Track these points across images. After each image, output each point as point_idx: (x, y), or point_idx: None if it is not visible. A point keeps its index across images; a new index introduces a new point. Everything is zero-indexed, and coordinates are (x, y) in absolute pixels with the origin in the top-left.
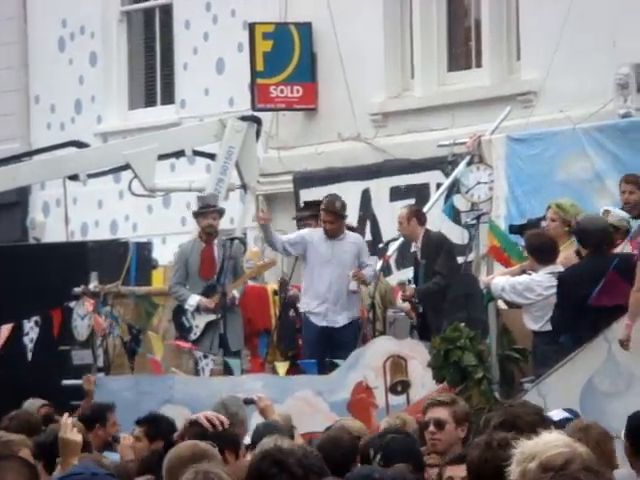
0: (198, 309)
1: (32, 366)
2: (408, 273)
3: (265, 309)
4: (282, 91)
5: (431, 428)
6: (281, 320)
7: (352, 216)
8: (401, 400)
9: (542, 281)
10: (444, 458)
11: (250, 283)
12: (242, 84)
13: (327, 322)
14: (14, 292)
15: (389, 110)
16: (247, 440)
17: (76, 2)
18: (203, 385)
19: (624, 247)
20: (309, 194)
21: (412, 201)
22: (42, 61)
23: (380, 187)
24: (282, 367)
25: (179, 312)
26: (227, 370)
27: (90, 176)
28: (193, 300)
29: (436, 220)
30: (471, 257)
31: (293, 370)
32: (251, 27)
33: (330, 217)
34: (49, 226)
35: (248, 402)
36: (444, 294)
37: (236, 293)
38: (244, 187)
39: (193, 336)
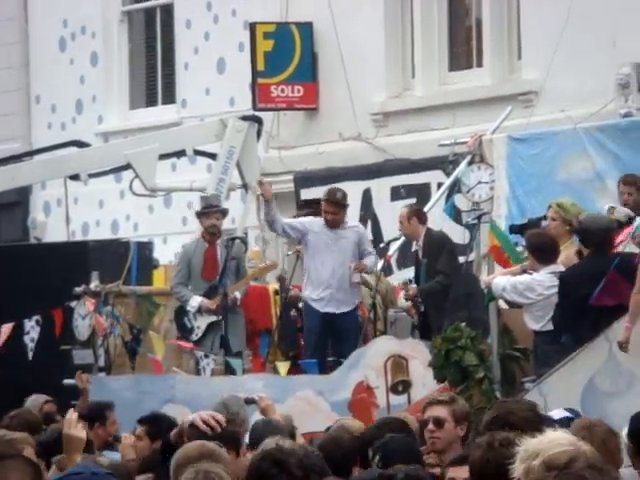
0: (200, 310)
1: (33, 365)
2: (409, 273)
3: (266, 309)
4: (283, 91)
5: (430, 426)
6: (282, 320)
7: (353, 216)
8: (402, 400)
9: (543, 281)
10: (443, 457)
11: (251, 283)
12: (243, 84)
13: (329, 308)
14: (15, 292)
15: (390, 110)
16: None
17: (77, 2)
18: (204, 385)
19: (626, 246)
20: (310, 194)
21: (413, 201)
22: (43, 61)
23: (381, 187)
24: (283, 367)
25: (181, 313)
26: (229, 370)
27: (91, 176)
28: (195, 301)
29: (437, 220)
30: (472, 257)
31: (294, 370)
32: (252, 27)
33: (332, 207)
34: (50, 226)
35: (249, 402)
36: (446, 293)
37: (238, 294)
38: (245, 187)
39: (195, 337)
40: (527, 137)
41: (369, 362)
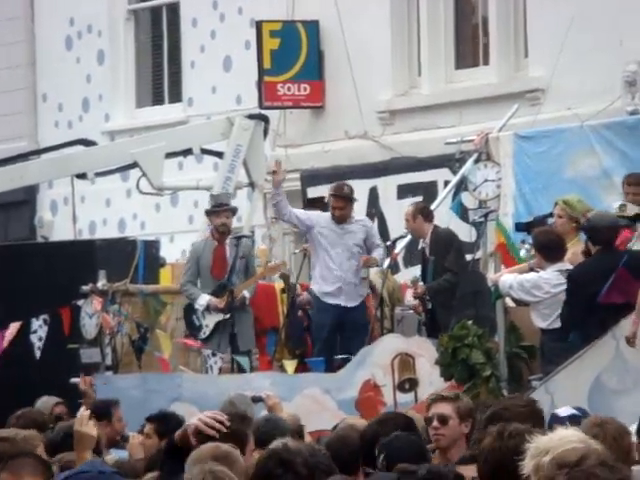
0: (208, 308)
1: (40, 364)
2: (416, 271)
3: (273, 307)
4: (289, 89)
5: (435, 423)
6: (289, 318)
7: (360, 214)
8: (409, 398)
9: (550, 278)
10: (447, 454)
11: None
12: (249, 82)
13: (340, 301)
14: (22, 291)
15: (396, 108)
16: None
17: (83, 1)
18: (211, 383)
19: (634, 244)
20: (316, 192)
21: (420, 199)
22: (49, 60)
23: (387, 185)
24: (290, 365)
25: (190, 310)
26: (238, 368)
27: (98, 174)
28: (203, 299)
29: (444, 218)
30: (479, 254)
31: (301, 368)
32: (258, 25)
33: (340, 202)
34: (57, 225)
35: (256, 400)
36: (454, 291)
37: (246, 293)
38: (252, 185)
39: (203, 335)
40: (534, 135)
41: (376, 360)
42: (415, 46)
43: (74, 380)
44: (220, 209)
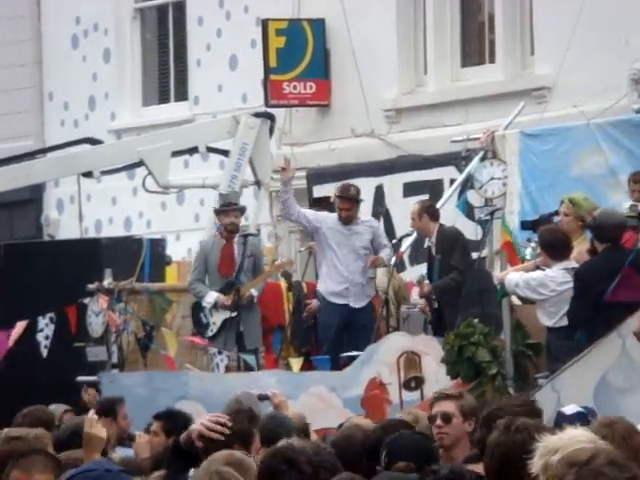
0: (215, 306)
1: (47, 363)
2: (422, 269)
3: (279, 305)
4: (295, 87)
5: (438, 422)
6: (295, 316)
7: (366, 212)
8: (415, 396)
9: (556, 277)
10: (451, 452)
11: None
12: (255, 80)
13: (347, 301)
14: (29, 289)
15: (402, 106)
16: None
17: None
18: (218, 381)
19: None
20: (322, 190)
21: (426, 197)
22: (56, 58)
23: (393, 183)
24: (296, 363)
25: (197, 308)
26: (246, 367)
27: (104, 173)
28: (210, 297)
29: (450, 216)
30: (485, 253)
31: (307, 366)
32: (264, 23)
33: (347, 204)
34: (63, 223)
35: (262, 398)
36: (460, 290)
37: (254, 291)
38: (258, 183)
39: (210, 333)
40: (540, 133)
41: (382, 358)
42: (421, 44)
43: (81, 378)
44: (229, 208)
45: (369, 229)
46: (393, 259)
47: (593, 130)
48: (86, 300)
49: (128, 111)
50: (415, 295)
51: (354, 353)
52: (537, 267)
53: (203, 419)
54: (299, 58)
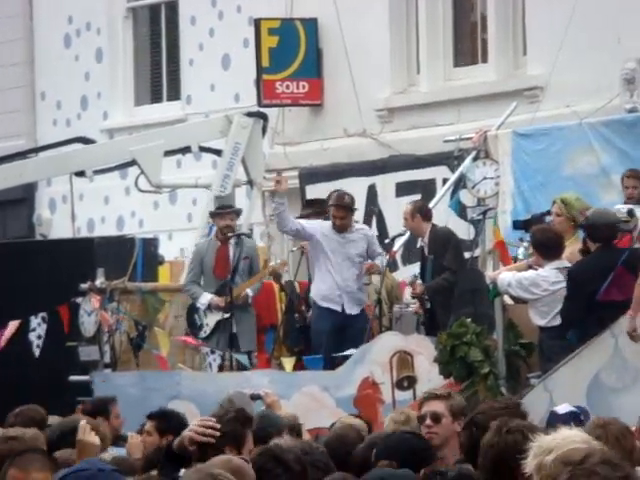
0: (209, 307)
1: (39, 362)
2: (414, 268)
3: (271, 305)
4: (288, 87)
5: (427, 422)
6: (287, 316)
7: (358, 212)
8: (407, 396)
9: (548, 276)
10: (440, 452)
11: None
12: (248, 80)
13: (339, 308)
14: (21, 288)
15: (395, 105)
16: None
17: None
18: (210, 381)
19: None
20: (315, 190)
21: (418, 196)
22: (48, 57)
23: (386, 183)
24: (288, 363)
25: (192, 310)
26: (238, 367)
27: (96, 172)
28: (204, 298)
29: (442, 215)
30: (477, 252)
31: (299, 366)
32: (257, 23)
33: (341, 212)
34: (55, 222)
35: (255, 398)
36: (453, 290)
37: (250, 292)
38: (250, 183)
39: (203, 334)
40: (532, 132)
41: (374, 358)
42: (414, 44)
43: (73, 378)
44: (224, 211)
45: (364, 237)
46: (386, 259)
47: (585, 130)
48: (78, 299)
49: (120, 110)
50: (408, 295)
51: (347, 353)
52: (530, 267)
53: (192, 424)
54: (292, 57)
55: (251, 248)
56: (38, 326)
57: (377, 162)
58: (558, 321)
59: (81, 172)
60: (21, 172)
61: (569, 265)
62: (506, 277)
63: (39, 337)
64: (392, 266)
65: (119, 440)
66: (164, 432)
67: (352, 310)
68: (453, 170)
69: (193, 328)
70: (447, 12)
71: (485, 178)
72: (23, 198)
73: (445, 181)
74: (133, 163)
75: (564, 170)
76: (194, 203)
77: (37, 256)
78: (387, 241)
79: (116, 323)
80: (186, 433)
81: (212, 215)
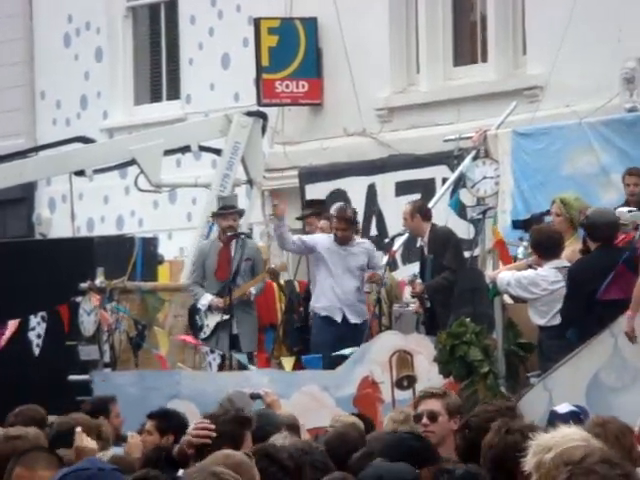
0: (210, 308)
1: (39, 362)
2: (414, 268)
3: (271, 304)
4: (287, 86)
5: (424, 420)
6: (287, 315)
7: (358, 212)
8: (407, 395)
9: (547, 276)
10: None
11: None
12: (247, 79)
13: (341, 319)
14: (20, 288)
15: (394, 105)
16: None
17: None
18: (210, 380)
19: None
20: (315, 189)
21: (418, 196)
22: (48, 57)
23: (386, 182)
24: (288, 362)
25: (194, 311)
26: (239, 366)
27: (96, 172)
28: (205, 299)
29: (442, 215)
30: (477, 252)
31: (299, 365)
32: (256, 22)
33: (342, 224)
34: (55, 222)
35: (255, 397)
36: (453, 289)
37: (253, 290)
38: (250, 182)
39: (203, 335)
40: (532, 132)
41: (374, 357)
42: (413, 43)
43: (73, 377)
44: (227, 211)
45: (364, 251)
46: (385, 258)
47: (585, 129)
48: (78, 299)
49: (120, 110)
50: (407, 294)
51: (346, 352)
52: (529, 266)
53: (189, 430)
54: (291, 57)
55: (253, 249)
56: (38, 325)
57: (377, 162)
58: (557, 320)
59: (81, 171)
60: (21, 171)
61: (568, 265)
62: (505, 276)
63: (39, 336)
64: (392, 265)
65: (119, 440)
66: (164, 431)
67: (353, 320)
68: (453, 169)
69: (194, 329)
70: (447, 12)
71: (485, 177)
72: (23, 197)
73: (445, 180)
74: (133, 162)
75: (564, 170)
76: (194, 202)
77: (37, 255)
78: (387, 240)
79: (116, 322)
80: (184, 439)
81: (215, 215)
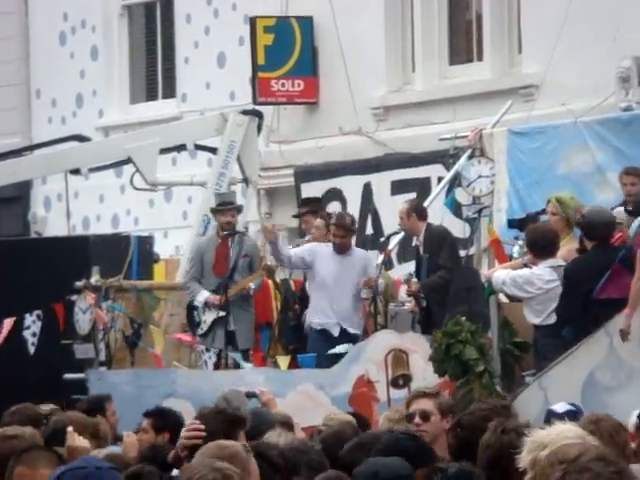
0: (206, 305)
1: (34, 360)
2: (409, 267)
3: (267, 303)
4: (283, 85)
5: (416, 420)
6: (283, 314)
7: (353, 210)
8: (402, 394)
9: (542, 275)
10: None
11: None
12: (243, 78)
13: (337, 332)
14: (16, 287)
15: (390, 104)
16: None
17: None
18: (206, 379)
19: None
20: (310, 188)
21: (413, 195)
22: (43, 55)
23: (381, 181)
24: (284, 361)
25: (192, 307)
26: (235, 364)
27: (92, 170)
28: (202, 296)
29: (437, 214)
30: (472, 250)
31: (295, 364)
32: (252, 21)
33: (341, 232)
34: (51, 220)
35: (250, 396)
36: (449, 288)
37: (252, 285)
38: (246, 181)
39: (200, 331)
40: (527, 131)
41: (369, 356)
42: (409, 42)
43: (68, 376)
44: (225, 207)
45: (362, 260)
46: (381, 257)
47: (581, 128)
48: (74, 297)
49: (116, 108)
50: (403, 293)
51: (342, 350)
52: (525, 265)
53: (182, 434)
54: (287, 56)
55: (252, 246)
56: (33, 324)
57: (372, 160)
58: (553, 319)
59: (76, 170)
60: (16, 170)
61: (563, 264)
62: (501, 275)
63: (34, 335)
64: (387, 264)
65: (115, 440)
66: (160, 430)
67: (352, 330)
68: (448, 168)
69: (192, 325)
70: (442, 10)
71: (480, 176)
72: (18, 196)
73: (440, 179)
74: (128, 161)
75: (559, 168)
76: (189, 201)
77: (32, 254)
78: (382, 239)
79: (111, 321)
80: (178, 443)
81: (213, 212)
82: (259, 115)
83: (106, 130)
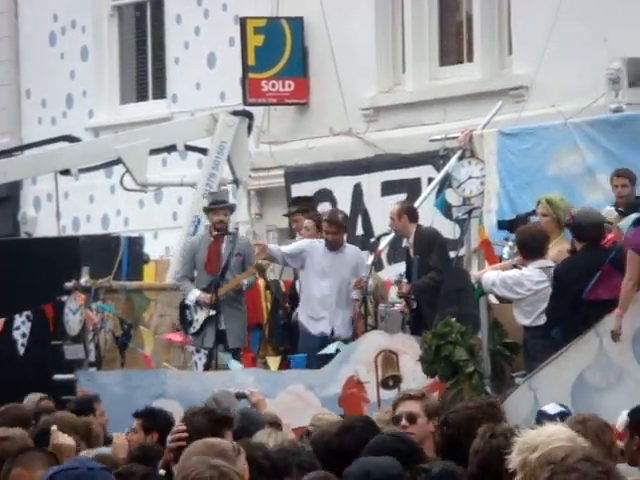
0: (197, 303)
1: (24, 361)
2: (400, 267)
3: (257, 304)
4: (274, 86)
5: (403, 422)
6: (273, 315)
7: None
8: (392, 395)
9: (532, 276)
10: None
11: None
12: (233, 79)
13: (327, 329)
14: (5, 287)
15: (380, 105)
16: None
17: None
18: (195, 380)
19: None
20: (300, 189)
21: (404, 196)
22: (33, 56)
23: (371, 182)
24: (274, 362)
25: (185, 306)
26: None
27: (82, 171)
28: (193, 295)
29: (427, 215)
30: (462, 251)
31: (285, 365)
32: (242, 21)
33: (333, 228)
34: (40, 221)
35: (240, 397)
36: (439, 289)
37: (245, 281)
38: (236, 182)
39: (192, 329)
40: (518, 132)
41: (359, 357)
42: (399, 43)
43: (58, 377)
44: (218, 206)
45: (354, 258)
46: (371, 258)
47: (571, 129)
48: (63, 298)
49: (106, 109)
50: (393, 294)
51: (331, 351)
52: (514, 266)
53: (168, 439)
54: (277, 56)
55: (244, 245)
56: (22, 324)
57: (363, 161)
58: (542, 320)
59: (66, 170)
60: (6, 170)
61: (553, 265)
62: (490, 276)
63: (23, 335)
64: (377, 265)
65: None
66: (150, 430)
67: (342, 330)
68: (439, 169)
69: (184, 324)
70: (433, 11)
71: (470, 177)
72: (8, 196)
73: (430, 180)
74: (118, 162)
75: (549, 170)
76: (179, 202)
77: (22, 254)
78: (372, 240)
79: (101, 322)
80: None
81: (206, 210)
82: (249, 116)
83: (96, 130)
